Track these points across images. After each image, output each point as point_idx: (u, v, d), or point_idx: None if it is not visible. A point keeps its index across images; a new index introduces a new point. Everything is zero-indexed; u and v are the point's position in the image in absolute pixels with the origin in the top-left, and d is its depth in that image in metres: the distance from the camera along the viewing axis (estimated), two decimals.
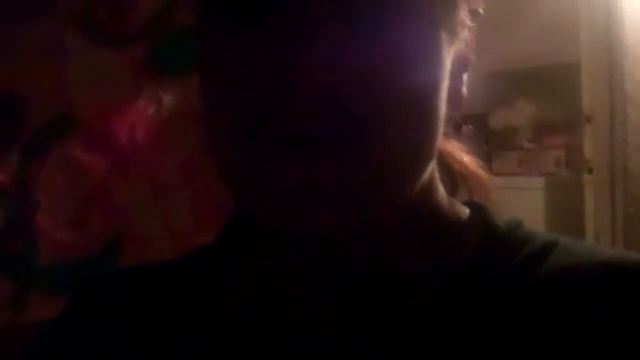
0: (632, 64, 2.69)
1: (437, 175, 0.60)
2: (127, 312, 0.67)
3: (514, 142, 3.91)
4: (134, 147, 1.27)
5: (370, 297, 0.58)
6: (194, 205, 1.31)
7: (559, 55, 3.23)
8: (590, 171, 2.81)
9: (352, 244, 0.56)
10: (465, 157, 0.65)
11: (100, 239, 1.25)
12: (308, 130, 0.48)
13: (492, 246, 0.59)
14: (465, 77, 0.60)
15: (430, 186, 0.58)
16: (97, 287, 0.71)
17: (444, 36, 0.54)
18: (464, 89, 0.60)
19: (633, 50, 2.69)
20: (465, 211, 0.61)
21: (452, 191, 0.64)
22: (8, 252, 1.18)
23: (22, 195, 1.17)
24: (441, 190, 0.60)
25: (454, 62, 0.56)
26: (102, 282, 0.71)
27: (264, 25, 0.49)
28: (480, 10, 0.59)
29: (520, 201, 3.36)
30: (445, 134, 0.59)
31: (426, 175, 0.56)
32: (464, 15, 0.57)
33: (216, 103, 0.51)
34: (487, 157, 3.84)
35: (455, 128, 0.60)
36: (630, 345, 0.54)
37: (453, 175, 0.65)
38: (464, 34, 0.58)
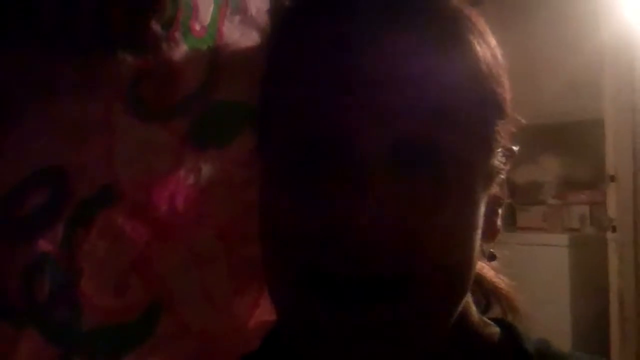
0: None
1: (470, 299, 0.63)
2: None
3: (538, 198, 3.90)
4: (174, 216, 1.30)
5: None
6: (231, 272, 1.33)
7: (584, 112, 3.24)
8: (614, 229, 2.81)
9: None
10: (495, 278, 0.68)
11: (140, 306, 1.27)
12: (357, 274, 0.51)
13: None
14: (500, 211, 0.63)
15: (465, 310, 0.61)
16: None
17: (480, 184, 0.58)
18: (499, 223, 0.63)
19: None
20: (496, 330, 0.64)
21: (485, 309, 0.66)
22: (53, 318, 1.20)
23: (67, 263, 1.21)
24: (474, 312, 0.63)
25: (489, 202, 0.59)
26: None
27: (321, 177, 0.53)
28: (515, 149, 0.62)
29: (544, 257, 3.35)
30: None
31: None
32: (499, 158, 0.61)
33: (275, 249, 0.55)
34: (511, 212, 3.83)
35: (489, 259, 0.64)
36: None
37: (486, 294, 0.68)
38: (499, 177, 0.61)
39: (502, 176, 0.63)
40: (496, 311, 0.67)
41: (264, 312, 1.35)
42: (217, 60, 1.28)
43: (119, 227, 1.24)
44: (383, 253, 0.52)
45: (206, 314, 1.32)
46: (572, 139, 3.48)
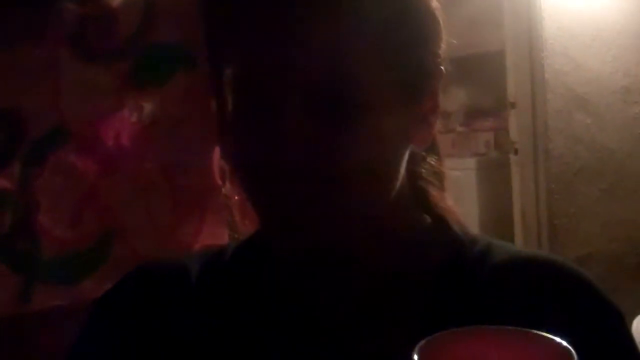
0: (550, 55, 2.82)
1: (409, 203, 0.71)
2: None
3: (447, 126, 4.04)
4: (120, 152, 1.35)
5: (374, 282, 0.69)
6: (175, 202, 1.40)
7: (486, 45, 3.34)
8: (515, 152, 2.93)
9: (353, 255, 0.68)
10: (447, 202, 0.76)
11: (93, 235, 1.33)
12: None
13: (455, 246, 0.71)
14: (433, 120, 0.71)
15: (403, 208, 0.70)
16: (152, 266, 0.78)
17: (401, 106, 0.65)
18: (434, 130, 0.71)
19: (551, 43, 2.81)
20: (428, 219, 0.73)
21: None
22: (14, 249, 1.25)
23: (25, 198, 1.25)
24: (412, 211, 0.72)
25: (419, 114, 0.67)
26: (154, 264, 0.78)
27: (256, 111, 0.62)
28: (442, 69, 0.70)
29: (455, 180, 3.47)
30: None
31: (398, 199, 0.68)
32: (428, 77, 0.68)
33: (242, 151, 0.63)
34: None
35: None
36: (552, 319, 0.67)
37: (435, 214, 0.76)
38: (431, 91, 0.69)
39: (436, 87, 0.69)
40: None
41: (207, 237, 1.42)
42: (153, 2, 1.33)
43: (70, 164, 1.29)
44: (314, 181, 0.61)
45: (154, 239, 1.38)
46: (476, 71, 3.60)
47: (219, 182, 1.38)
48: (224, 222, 1.41)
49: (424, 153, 0.75)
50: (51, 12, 1.23)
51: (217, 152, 1.41)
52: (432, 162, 0.77)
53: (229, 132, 0.67)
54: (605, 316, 0.71)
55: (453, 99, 3.83)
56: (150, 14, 1.36)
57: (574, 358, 0.44)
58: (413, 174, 0.74)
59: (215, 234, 1.41)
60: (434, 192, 0.75)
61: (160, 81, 1.38)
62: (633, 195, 2.98)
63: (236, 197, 0.76)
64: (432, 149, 0.76)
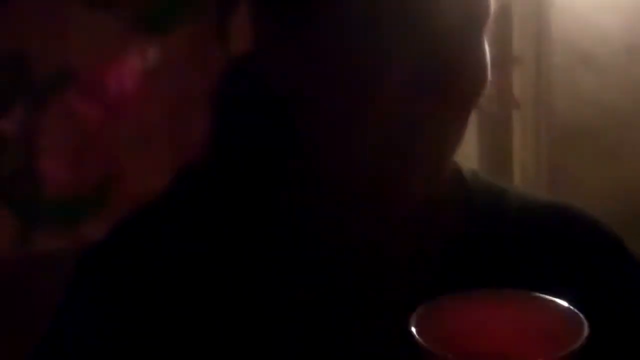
0: (558, 12, 2.79)
1: None
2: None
3: None
4: (123, 97, 1.34)
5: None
6: (176, 148, 1.40)
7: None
8: (518, 107, 2.91)
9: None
10: None
11: (94, 179, 1.33)
12: None
13: (471, 193, 0.71)
14: None
15: None
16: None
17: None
18: None
19: (559, 1, 2.78)
20: None
21: None
22: (15, 192, 1.25)
23: (27, 141, 1.25)
24: None
25: None
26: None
27: None
28: None
29: None
30: None
31: None
32: None
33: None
34: None
35: None
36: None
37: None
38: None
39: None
40: None
41: None
42: None
43: (72, 107, 1.28)
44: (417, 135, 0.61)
45: (155, 185, 1.37)
46: None
47: None
48: None
49: None
50: None
51: None
52: None
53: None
54: (625, 262, 0.71)
55: None
56: None
57: (582, 322, 0.43)
58: None
59: None
60: None
61: (165, 28, 1.36)
62: (635, 154, 2.97)
63: None
64: None
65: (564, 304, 0.45)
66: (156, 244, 0.71)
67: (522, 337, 0.44)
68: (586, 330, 0.42)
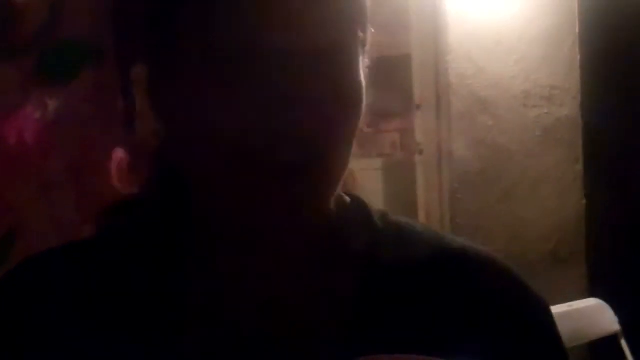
0: (455, 60, 2.85)
1: None
2: (69, 284, 0.67)
3: None
4: (23, 149, 1.30)
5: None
6: (79, 201, 1.36)
7: (392, 49, 3.37)
8: (420, 152, 2.96)
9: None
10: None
11: None
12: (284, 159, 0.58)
13: (375, 237, 0.70)
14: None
15: None
16: (32, 264, 0.70)
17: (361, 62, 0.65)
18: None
19: (456, 48, 2.85)
20: (348, 200, 0.71)
21: None
22: None
23: None
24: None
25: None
26: (36, 260, 0.71)
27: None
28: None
29: (361, 180, 3.51)
30: None
31: None
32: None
33: (206, 132, 0.59)
34: None
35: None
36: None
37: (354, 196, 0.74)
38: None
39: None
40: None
41: None
42: None
43: None
44: (304, 141, 0.58)
45: (57, 239, 1.33)
46: (384, 73, 3.60)
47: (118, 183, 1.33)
48: None
49: None
50: None
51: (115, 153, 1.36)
52: None
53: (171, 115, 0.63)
54: (534, 310, 0.71)
55: None
56: (57, 9, 1.31)
57: None
58: None
59: None
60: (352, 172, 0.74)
61: (66, 78, 1.34)
62: (533, 195, 3.05)
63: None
64: None
65: None
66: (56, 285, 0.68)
67: None
68: None
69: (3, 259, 1.28)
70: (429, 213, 2.87)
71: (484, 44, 2.88)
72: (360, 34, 0.66)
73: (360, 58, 0.66)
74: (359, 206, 0.72)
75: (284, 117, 0.58)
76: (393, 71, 3.91)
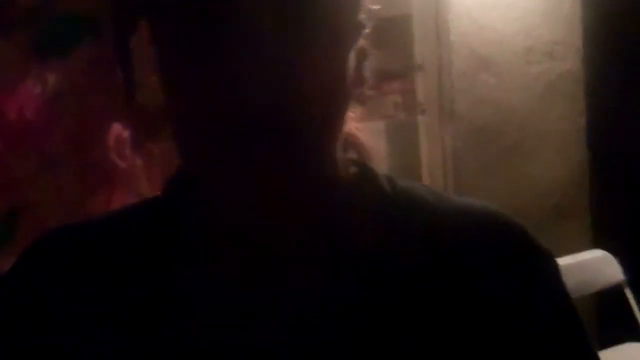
0: (456, 18, 2.83)
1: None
2: (86, 260, 0.67)
3: None
4: (24, 124, 1.30)
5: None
6: (83, 173, 1.36)
7: (393, 9, 3.34)
8: (423, 112, 2.94)
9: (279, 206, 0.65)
10: (353, 127, 0.74)
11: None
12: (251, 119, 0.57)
13: (385, 202, 0.69)
14: (366, 63, 0.69)
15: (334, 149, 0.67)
16: (51, 238, 0.70)
17: (349, 40, 0.63)
18: (365, 73, 0.69)
19: (455, 6, 2.82)
20: (355, 169, 0.71)
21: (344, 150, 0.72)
22: None
23: None
24: (340, 154, 0.69)
25: (356, 55, 0.65)
26: (56, 235, 0.71)
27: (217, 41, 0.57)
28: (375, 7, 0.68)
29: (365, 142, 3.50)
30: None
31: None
32: (362, 16, 0.67)
33: (187, 102, 0.59)
34: None
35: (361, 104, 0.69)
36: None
37: (346, 140, 0.74)
38: (364, 31, 0.67)
39: (367, 30, 0.68)
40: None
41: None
42: None
43: None
44: (270, 103, 0.57)
45: (62, 213, 1.34)
46: (384, 35, 3.59)
47: (115, 158, 1.34)
48: (134, 192, 1.38)
49: None
50: None
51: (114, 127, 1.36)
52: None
53: (163, 85, 0.62)
54: (542, 264, 0.71)
55: None
56: None
57: None
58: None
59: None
60: (360, 140, 0.74)
61: (64, 52, 1.33)
62: (534, 152, 3.04)
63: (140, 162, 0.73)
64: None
65: None
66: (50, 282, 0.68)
67: None
68: None
69: (10, 235, 1.29)
70: (432, 172, 2.87)
71: (484, 1, 2.85)
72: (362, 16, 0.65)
73: (342, 22, 0.63)
74: (367, 173, 0.71)
75: (246, 77, 0.57)
76: (394, 32, 3.88)
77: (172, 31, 0.60)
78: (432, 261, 0.67)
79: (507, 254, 0.69)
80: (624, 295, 2.89)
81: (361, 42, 0.68)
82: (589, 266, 2.93)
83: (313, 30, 0.59)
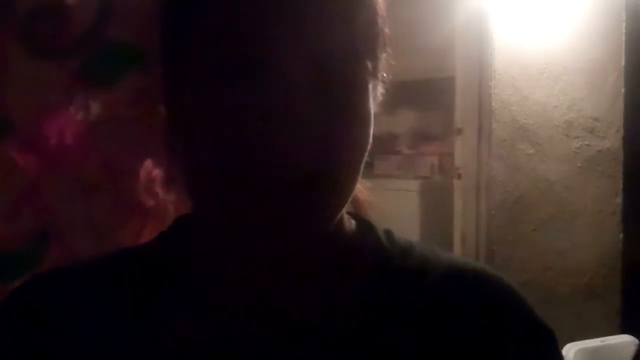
0: (498, 85, 2.83)
1: None
2: (71, 306, 0.68)
3: (394, 148, 4.04)
4: (63, 149, 1.29)
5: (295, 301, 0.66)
6: (116, 202, 1.34)
7: (437, 71, 3.35)
8: (459, 177, 2.94)
9: (286, 262, 0.64)
10: (371, 208, 0.74)
11: (29, 233, 1.27)
12: (281, 178, 0.56)
13: (383, 260, 0.68)
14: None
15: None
16: (37, 284, 0.72)
17: (371, 89, 0.63)
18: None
19: (499, 73, 2.83)
20: (353, 223, 0.70)
21: None
22: None
23: None
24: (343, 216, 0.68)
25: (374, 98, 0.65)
26: (41, 280, 0.73)
27: (248, 91, 0.56)
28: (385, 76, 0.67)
29: (398, 201, 3.49)
30: None
31: None
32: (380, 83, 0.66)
33: (206, 156, 0.58)
34: (369, 160, 3.96)
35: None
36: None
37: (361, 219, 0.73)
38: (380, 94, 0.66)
39: (381, 92, 0.68)
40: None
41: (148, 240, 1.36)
42: (108, 0, 1.28)
43: (11, 158, 1.23)
44: (302, 163, 0.57)
45: (92, 240, 1.32)
46: (426, 95, 3.61)
47: (143, 195, 1.32)
48: (165, 227, 1.36)
49: None
50: (1, 4, 1.17)
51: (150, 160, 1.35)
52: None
53: (184, 137, 0.62)
54: (538, 339, 0.69)
55: (401, 121, 3.83)
56: (105, 11, 1.30)
57: None
58: None
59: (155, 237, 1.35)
60: (360, 194, 0.74)
61: (111, 80, 1.32)
62: (569, 226, 3.00)
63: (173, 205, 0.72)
64: None
65: None
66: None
67: None
68: None
69: (38, 259, 1.27)
70: (465, 238, 2.84)
71: (528, 71, 2.85)
72: (369, 64, 0.63)
73: (370, 86, 0.64)
74: (366, 227, 0.72)
75: (280, 137, 0.57)
76: (436, 93, 3.90)
77: (208, 79, 0.59)
78: (425, 318, 0.67)
79: (503, 324, 0.68)
80: None
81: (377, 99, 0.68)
82: (616, 350, 2.87)
83: (347, 95, 0.59)
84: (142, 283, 0.68)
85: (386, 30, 0.66)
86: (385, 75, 0.68)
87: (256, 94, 0.58)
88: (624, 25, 3.02)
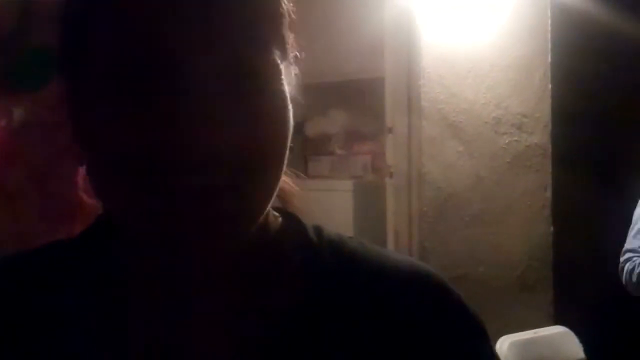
0: (427, 84, 2.86)
1: None
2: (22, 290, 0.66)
3: (327, 149, 4.06)
4: None
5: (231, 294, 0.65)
6: (43, 210, 1.34)
7: (367, 72, 3.38)
8: (391, 175, 2.95)
9: (215, 260, 0.63)
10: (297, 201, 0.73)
11: None
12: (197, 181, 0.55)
13: (311, 257, 0.68)
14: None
15: None
16: None
17: (283, 72, 0.62)
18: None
19: (428, 72, 2.86)
20: (278, 218, 0.69)
21: None
22: None
23: None
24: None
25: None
26: None
27: (152, 98, 0.55)
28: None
29: (332, 201, 3.51)
30: None
31: None
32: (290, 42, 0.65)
33: (117, 160, 0.56)
34: (303, 161, 3.98)
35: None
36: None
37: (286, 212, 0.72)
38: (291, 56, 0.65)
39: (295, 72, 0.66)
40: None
41: None
42: (29, 6, 1.27)
43: None
44: (217, 166, 0.55)
45: (20, 248, 1.31)
46: (357, 96, 3.63)
47: (83, 195, 1.31)
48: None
49: None
50: None
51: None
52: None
53: (88, 144, 0.61)
54: (471, 333, 0.70)
55: (334, 122, 3.85)
56: (27, 17, 1.29)
57: None
58: None
59: None
60: (286, 188, 0.72)
61: (34, 86, 1.31)
62: (500, 221, 3.05)
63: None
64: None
65: None
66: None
67: None
68: None
69: None
70: (398, 235, 2.86)
71: (456, 69, 2.90)
72: (277, 46, 0.62)
73: (282, 68, 0.62)
74: (293, 223, 0.71)
75: (192, 138, 0.55)
76: (367, 94, 3.92)
77: (107, 82, 0.57)
78: (353, 312, 0.66)
79: (436, 319, 0.68)
80: None
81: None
82: (549, 342, 2.92)
83: (258, 84, 0.58)
84: (61, 284, 0.68)
85: (292, 10, 0.64)
86: (297, 54, 0.65)
87: (159, 96, 0.56)
88: (549, 22, 3.09)
